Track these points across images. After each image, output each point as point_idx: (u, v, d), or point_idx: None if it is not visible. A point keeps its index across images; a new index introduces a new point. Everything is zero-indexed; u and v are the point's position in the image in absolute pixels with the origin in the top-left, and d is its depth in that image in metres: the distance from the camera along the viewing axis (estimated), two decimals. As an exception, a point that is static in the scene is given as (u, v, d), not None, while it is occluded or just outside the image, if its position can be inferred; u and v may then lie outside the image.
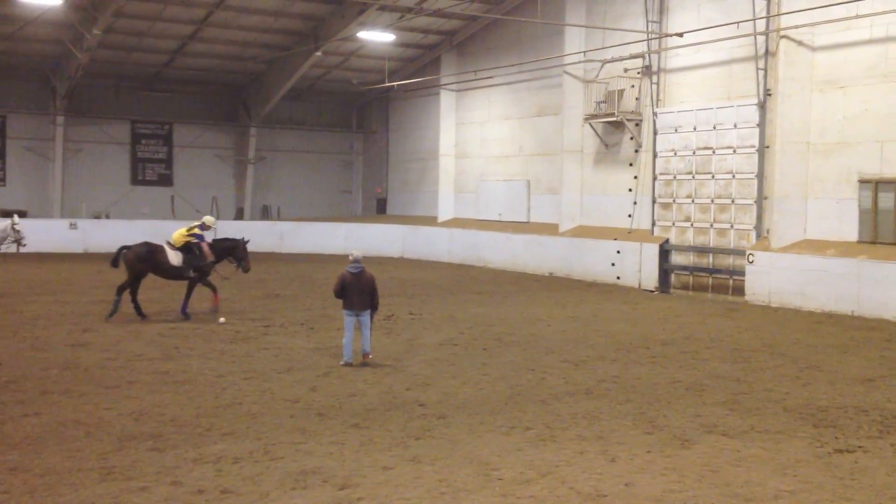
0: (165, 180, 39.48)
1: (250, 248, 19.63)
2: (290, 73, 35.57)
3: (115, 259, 18.19)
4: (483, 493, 8.26)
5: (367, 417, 10.84)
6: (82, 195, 37.24)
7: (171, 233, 19.02)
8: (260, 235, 37.40)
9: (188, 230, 18.71)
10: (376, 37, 31.45)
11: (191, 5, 30.74)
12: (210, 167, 40.42)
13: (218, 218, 37.80)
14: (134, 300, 18.23)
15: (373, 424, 10.53)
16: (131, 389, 12.16)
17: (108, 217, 37.53)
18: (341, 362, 13.97)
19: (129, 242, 18.55)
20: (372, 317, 14.25)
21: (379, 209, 42.33)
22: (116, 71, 36.72)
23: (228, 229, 37.56)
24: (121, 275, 18.56)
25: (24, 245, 22.02)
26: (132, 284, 18.16)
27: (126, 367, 13.67)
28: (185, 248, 18.48)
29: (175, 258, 18.28)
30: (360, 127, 43.87)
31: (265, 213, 41.23)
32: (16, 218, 22.00)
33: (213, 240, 19.22)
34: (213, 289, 19.10)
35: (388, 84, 35.73)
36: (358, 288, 13.84)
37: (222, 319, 18.00)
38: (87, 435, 9.88)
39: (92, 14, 29.34)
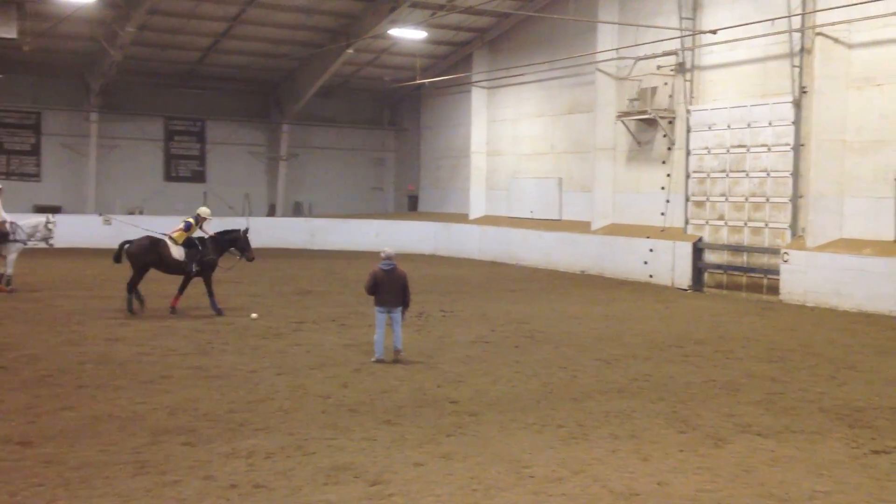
0: (198, 177, 39.76)
1: (262, 239, 19.62)
2: (322, 71, 35.68)
3: (117, 254, 18.35)
4: (514, 490, 8.24)
5: (398, 414, 10.85)
6: (116, 191, 37.61)
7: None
8: (292, 232, 37.74)
9: (183, 225, 18.69)
10: (408, 34, 31.45)
11: (224, 3, 30.93)
12: (243, 164, 40.65)
13: (251, 214, 38.21)
14: (130, 292, 18.16)
15: (404, 421, 10.53)
16: (165, 384, 12.26)
17: (141, 213, 37.87)
18: (373, 359, 14.00)
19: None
20: (404, 314, 14.25)
21: (410, 206, 42.37)
22: (150, 68, 37.00)
23: (261, 226, 38.01)
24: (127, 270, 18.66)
25: (52, 245, 22.28)
26: (139, 278, 18.17)
27: (160, 361, 13.78)
28: (188, 243, 18.57)
29: (177, 252, 18.37)
30: (392, 124, 43.93)
31: (297, 210, 41.42)
32: (51, 217, 22.27)
33: (215, 232, 19.17)
34: (182, 291, 18.71)
35: (419, 81, 35.73)
36: (390, 285, 13.85)
37: (254, 315, 18.08)
38: (121, 429, 9.97)
39: (126, 11, 29.60)
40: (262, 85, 40.06)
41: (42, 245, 22.30)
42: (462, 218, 36.97)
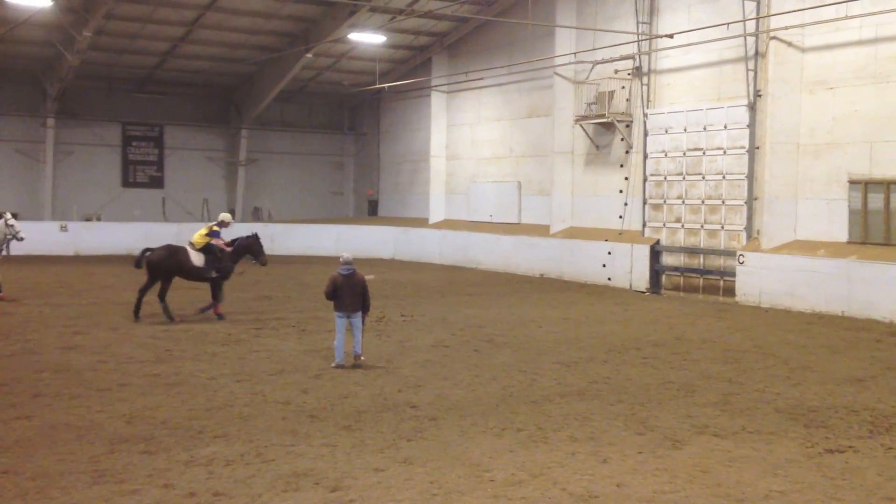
0: (156, 182, 39.39)
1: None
2: (281, 75, 35.54)
3: (138, 261, 18.48)
4: (474, 494, 8.27)
5: (358, 419, 10.84)
6: (73, 198, 37.14)
7: (178, 234, 19.16)
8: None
9: (207, 230, 18.92)
10: (367, 38, 31.43)
11: (181, 7, 30.69)
12: (201, 169, 40.35)
13: (209, 220, 37.84)
14: (140, 299, 18.36)
15: (364, 426, 10.53)
16: (123, 392, 12.14)
17: (99, 219, 37.47)
18: (333, 364, 13.97)
19: (138, 245, 18.67)
20: (364, 318, 14.25)
21: (370, 211, 42.32)
22: (107, 73, 36.62)
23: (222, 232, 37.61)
24: (130, 277, 18.53)
25: (22, 239, 21.86)
26: (150, 285, 18.35)
27: (118, 369, 13.64)
28: (206, 249, 18.67)
29: (197, 259, 18.50)
30: (352, 128, 43.86)
31: (256, 215, 41.19)
32: (8, 215, 21.93)
33: (232, 240, 19.30)
34: (216, 296, 18.96)
35: (379, 85, 35.74)
36: (349, 289, 13.85)
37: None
38: (79, 438, 9.86)
39: (83, 16, 29.25)
40: (221, 90, 39.81)
41: (11, 247, 22.01)
42: (422, 222, 37.00)
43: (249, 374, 13.38)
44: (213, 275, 18.64)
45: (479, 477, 8.73)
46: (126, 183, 38.89)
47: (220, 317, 18.70)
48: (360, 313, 14.01)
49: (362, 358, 14.08)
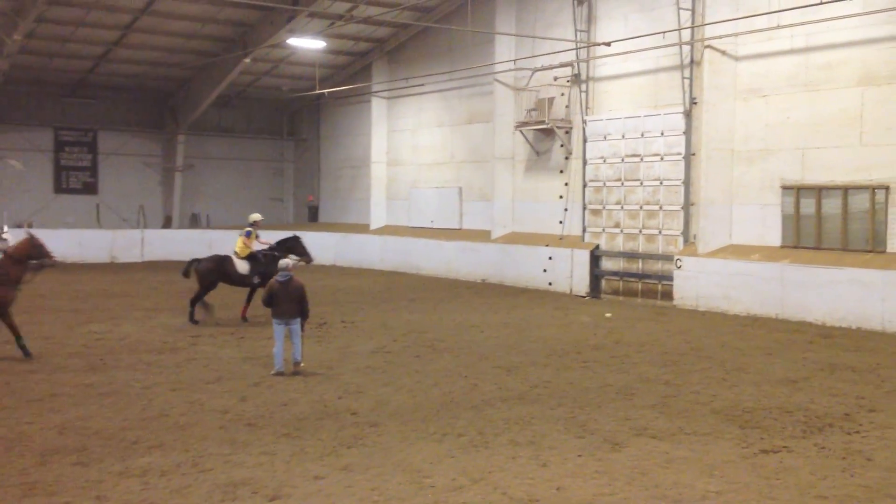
0: (90, 188, 38.58)
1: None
2: (219, 80, 35.13)
3: (185, 270, 19.27)
4: (415, 500, 8.24)
5: (298, 427, 10.73)
6: (3, 204, 36.19)
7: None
8: (189, 244, 36.72)
9: (242, 240, 19.69)
10: (306, 44, 31.23)
11: (115, 11, 30.13)
12: (137, 175, 39.63)
13: (146, 226, 37.32)
14: (193, 306, 19.04)
15: (304, 434, 10.42)
16: (54, 402, 11.85)
17: (30, 226, 36.53)
18: (273, 372, 13.80)
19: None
20: (303, 325, 14.12)
21: (311, 217, 42.03)
22: (38, 77, 35.81)
23: (156, 238, 37.07)
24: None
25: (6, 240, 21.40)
26: (203, 294, 19.08)
27: (49, 379, 13.31)
28: (250, 257, 19.52)
29: (242, 267, 19.36)
30: (291, 134, 43.53)
31: (194, 222, 40.61)
32: (5, 228, 21.44)
33: (276, 242, 20.19)
34: (249, 300, 19.63)
35: (318, 91, 35.51)
36: (286, 296, 13.72)
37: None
38: (8, 450, 9.60)
39: (13, 19, 28.56)
40: (157, 94, 39.19)
41: None
42: (363, 228, 36.85)
43: (186, 383, 13.17)
44: (257, 280, 19.18)
45: (420, 483, 8.70)
46: (58, 189, 38.03)
47: (245, 319, 19.29)
48: (298, 320, 13.87)
49: (302, 365, 13.95)
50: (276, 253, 19.63)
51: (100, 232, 36.16)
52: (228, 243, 36.77)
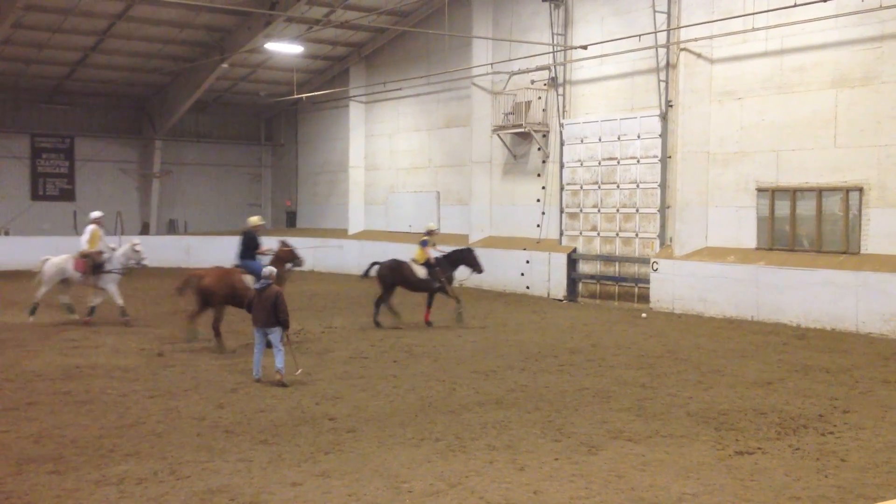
0: (67, 195, 38.28)
1: None
2: (196, 85, 34.99)
3: (366, 272, 20.42)
4: (392, 506, 8.25)
5: (275, 433, 10.72)
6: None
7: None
8: (166, 250, 36.69)
9: (420, 248, 20.51)
10: (284, 48, 31.18)
11: (92, 16, 29.96)
12: (114, 181, 39.36)
13: (123, 233, 37.01)
14: (378, 308, 20.11)
15: (281, 440, 10.41)
16: (30, 411, 11.77)
17: (7, 234, 36.29)
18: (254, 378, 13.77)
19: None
20: (285, 335, 13.81)
21: (289, 222, 41.92)
22: (14, 83, 35.54)
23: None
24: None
25: (145, 265, 21.03)
26: (386, 296, 20.15)
27: (25, 387, 13.23)
28: (426, 263, 20.33)
29: (421, 272, 20.22)
30: (269, 139, 43.40)
31: (172, 228, 40.42)
32: (135, 240, 21.39)
33: (448, 253, 20.99)
34: (457, 299, 20.58)
35: (296, 96, 35.48)
36: (260, 304, 13.64)
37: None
38: (-18, 460, 9.53)
39: (-12, 24, 28.40)
40: (134, 100, 38.99)
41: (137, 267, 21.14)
42: (341, 233, 36.80)
43: (163, 390, 13.11)
44: (437, 286, 20.20)
45: (398, 488, 8.71)
46: (35, 196, 37.72)
47: (429, 324, 20.06)
48: (277, 329, 13.62)
49: (282, 376, 13.54)
50: (447, 260, 20.72)
51: (76, 239, 35.79)
52: (207, 249, 36.89)
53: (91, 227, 20.26)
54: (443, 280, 20.28)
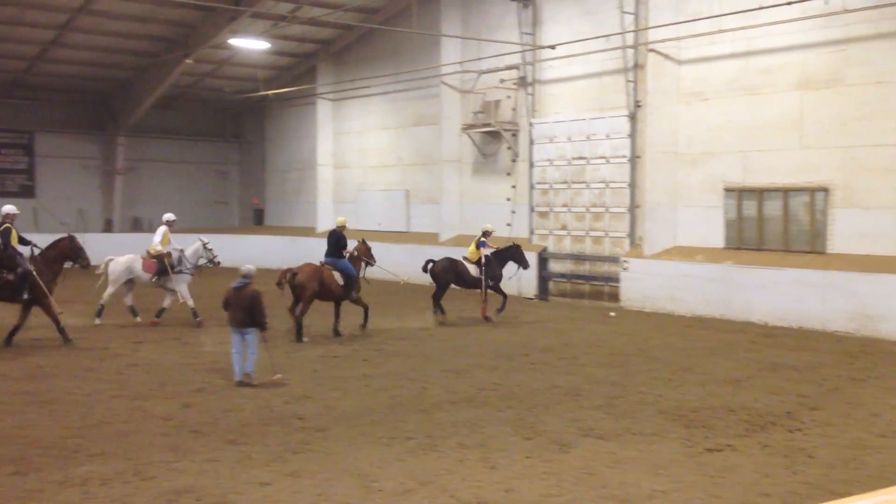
0: (27, 192, 37.62)
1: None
2: (160, 81, 34.53)
3: (424, 267, 21.10)
4: (363, 505, 8.15)
5: (243, 433, 10.57)
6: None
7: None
8: (131, 248, 35.90)
9: (475, 245, 21.09)
10: (249, 44, 30.90)
11: (52, 10, 29.48)
12: (75, 178, 38.77)
13: (86, 230, 36.52)
14: (436, 303, 20.69)
15: (250, 440, 10.27)
16: (-10, 411, 11.53)
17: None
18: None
19: None
20: (263, 336, 13.50)
21: (256, 220, 41.59)
22: (-28, 78, 34.98)
23: (94, 242, 36.28)
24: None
25: (218, 263, 21.14)
26: (442, 292, 20.75)
27: (-15, 388, 12.96)
28: (479, 261, 20.91)
29: (474, 270, 20.87)
30: (235, 136, 43.04)
31: (136, 225, 39.91)
32: (204, 238, 21.34)
33: (497, 250, 21.38)
34: (504, 295, 21.13)
35: (263, 93, 35.18)
36: (237, 303, 13.35)
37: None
38: (-59, 461, 9.30)
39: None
40: (96, 95, 38.43)
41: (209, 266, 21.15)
42: (310, 231, 36.55)
43: (128, 390, 12.91)
44: (490, 283, 20.82)
45: (368, 487, 8.62)
46: (-7, 192, 37.12)
47: (487, 319, 20.69)
48: (252, 329, 13.31)
49: (253, 377, 13.34)
50: (497, 257, 21.28)
51: (38, 236, 35.26)
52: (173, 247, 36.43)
53: (163, 228, 20.30)
54: (495, 276, 21.01)
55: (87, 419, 11.18)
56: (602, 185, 24.61)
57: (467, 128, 28.52)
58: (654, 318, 21.67)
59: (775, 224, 20.85)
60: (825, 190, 19.83)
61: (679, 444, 10.26)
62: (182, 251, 20.29)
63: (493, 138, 28.20)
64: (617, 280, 23.80)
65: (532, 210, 26.66)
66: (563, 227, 25.75)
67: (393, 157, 33.18)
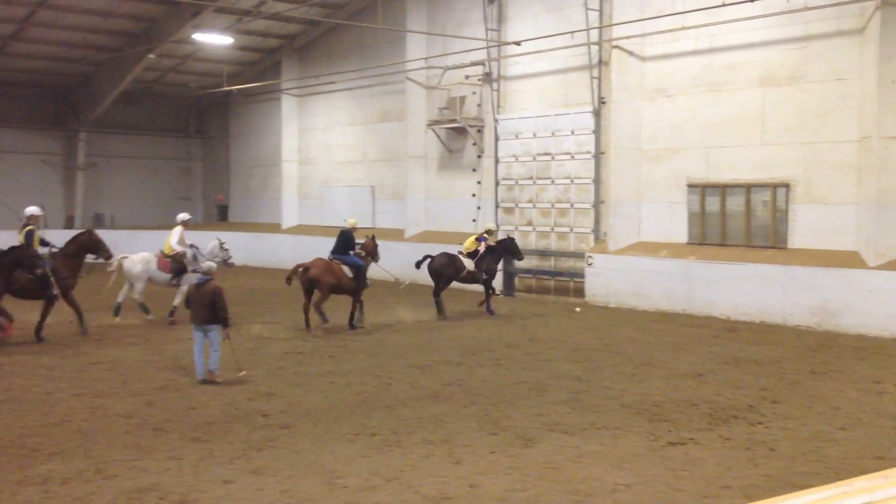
0: (-14, 188, 37.11)
1: None
2: (122, 76, 34.11)
3: (419, 263, 21.11)
4: (327, 501, 8.13)
5: (207, 430, 10.49)
6: None
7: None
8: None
9: (476, 238, 21.48)
10: (213, 39, 30.59)
11: (11, 3, 29.00)
12: (36, 174, 38.18)
13: (47, 227, 36.00)
14: (438, 299, 20.89)
15: (213, 437, 10.20)
16: (-52, 411, 11.35)
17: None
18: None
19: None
20: (223, 333, 13.33)
21: (220, 216, 41.26)
22: (-71, 72, 34.35)
23: (57, 238, 35.81)
24: None
25: (232, 264, 21.54)
26: (442, 288, 20.96)
27: (-58, 387, 12.75)
28: (473, 254, 21.18)
29: (469, 264, 21.09)
30: (199, 132, 42.66)
31: (98, 222, 39.44)
32: (221, 238, 21.47)
33: (493, 243, 21.63)
34: (492, 290, 21.67)
35: (227, 88, 34.88)
36: (198, 300, 13.24)
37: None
38: None
39: None
40: (57, 90, 37.88)
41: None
42: (275, 227, 36.36)
43: (89, 388, 12.76)
44: (485, 277, 21.11)
45: (333, 484, 8.59)
46: (-49, 189, 36.51)
47: (491, 312, 21.13)
48: (215, 326, 13.20)
49: (216, 375, 13.25)
50: (492, 251, 21.49)
51: (-2, 233, 34.80)
52: (136, 243, 36.01)
53: (179, 228, 20.24)
54: (490, 270, 21.26)
55: (47, 417, 11.04)
56: (567, 181, 24.71)
57: (433, 124, 28.50)
58: (619, 313, 21.80)
59: (738, 219, 21.06)
60: (786, 186, 20.06)
61: (642, 438, 10.34)
62: (198, 249, 20.09)
63: (459, 134, 28.21)
64: (582, 275, 23.92)
65: (497, 206, 26.70)
66: (529, 223, 25.82)
67: (358, 154, 33.08)
